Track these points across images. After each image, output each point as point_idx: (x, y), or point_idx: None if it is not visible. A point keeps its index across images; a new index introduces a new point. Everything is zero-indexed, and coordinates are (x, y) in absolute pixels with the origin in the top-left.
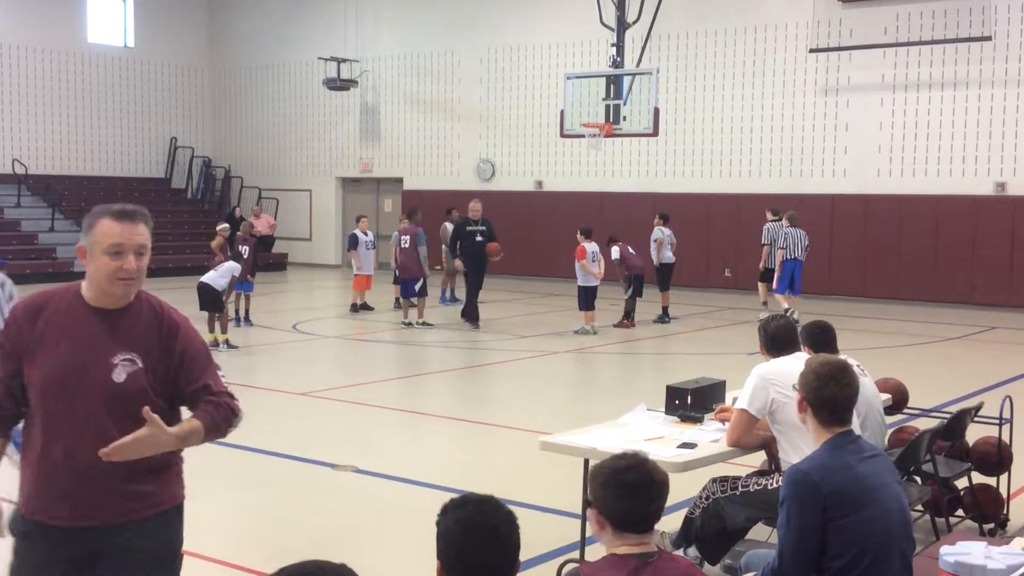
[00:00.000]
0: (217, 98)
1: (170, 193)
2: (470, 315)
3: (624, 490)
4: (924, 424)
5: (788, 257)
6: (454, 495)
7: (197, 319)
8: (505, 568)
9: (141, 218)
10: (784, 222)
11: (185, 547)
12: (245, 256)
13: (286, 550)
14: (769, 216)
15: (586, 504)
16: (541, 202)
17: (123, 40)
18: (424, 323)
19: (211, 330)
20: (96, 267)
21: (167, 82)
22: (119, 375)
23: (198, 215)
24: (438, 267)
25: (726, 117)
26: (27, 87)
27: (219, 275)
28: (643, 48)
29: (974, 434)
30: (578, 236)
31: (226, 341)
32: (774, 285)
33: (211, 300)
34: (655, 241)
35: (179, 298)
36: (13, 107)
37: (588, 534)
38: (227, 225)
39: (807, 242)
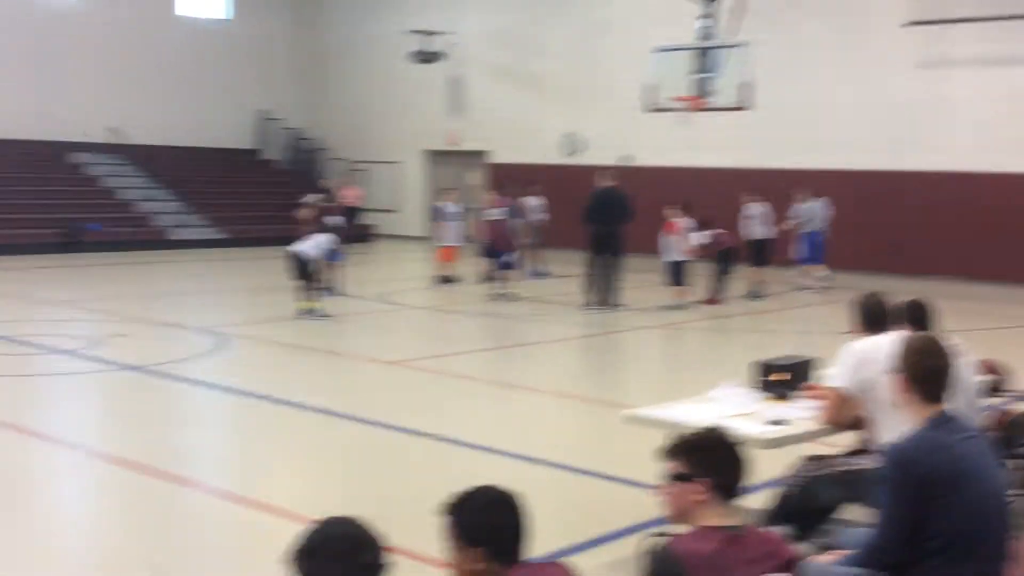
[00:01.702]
0: (308, 71)
1: (260, 164)
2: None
3: (734, 459)
4: None
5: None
6: (538, 466)
7: (290, 288)
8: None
9: None
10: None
11: (274, 505)
12: (335, 227)
13: (366, 513)
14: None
15: (683, 478)
16: (626, 177)
17: (219, 12)
18: (511, 295)
19: (301, 299)
20: None
21: (260, 55)
22: None
23: (289, 186)
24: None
25: (821, 91)
26: (124, 59)
27: (311, 245)
28: (735, 19)
29: None
30: (669, 211)
31: (317, 310)
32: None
33: (303, 269)
34: (749, 217)
35: (269, 267)
36: (110, 79)
37: (674, 511)
38: (317, 196)
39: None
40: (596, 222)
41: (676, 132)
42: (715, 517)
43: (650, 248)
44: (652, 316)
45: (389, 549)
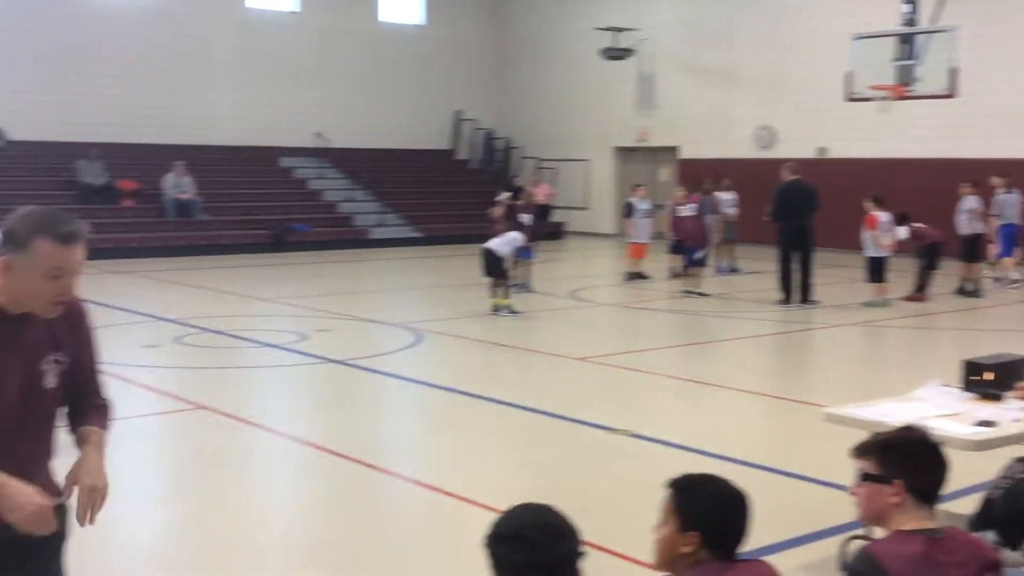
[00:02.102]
0: (500, 71)
1: (454, 164)
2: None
3: (933, 460)
4: None
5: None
6: (730, 464)
7: (482, 284)
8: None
9: (81, 238)
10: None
11: (465, 494)
12: (526, 225)
13: (558, 505)
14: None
15: (877, 478)
16: (824, 169)
17: (415, 18)
18: (701, 293)
19: (493, 295)
20: (28, 288)
21: (454, 57)
22: (49, 380)
23: (481, 184)
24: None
25: None
26: (327, 66)
27: (503, 243)
28: (938, 5)
29: None
30: (868, 204)
31: (508, 306)
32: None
33: (495, 266)
34: (970, 211)
35: (462, 264)
36: (315, 85)
37: (865, 513)
38: (508, 194)
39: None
40: (785, 217)
41: (876, 121)
42: (911, 521)
43: (849, 243)
44: (850, 313)
45: (583, 540)
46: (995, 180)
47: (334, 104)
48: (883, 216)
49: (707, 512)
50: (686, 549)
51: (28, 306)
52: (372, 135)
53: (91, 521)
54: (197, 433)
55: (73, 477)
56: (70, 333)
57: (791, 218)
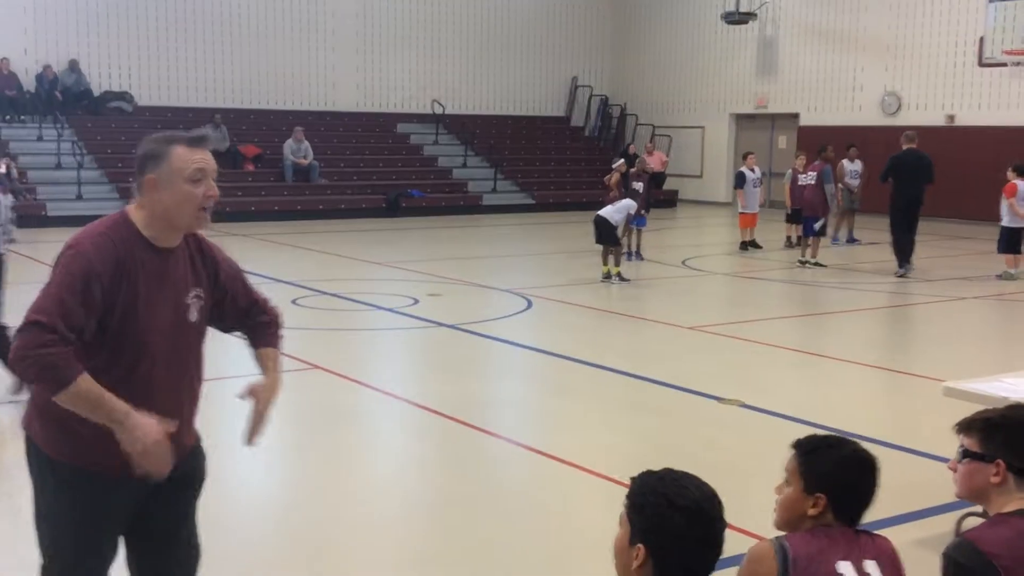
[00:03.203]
0: (616, 38)
1: (569, 131)
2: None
3: None
4: None
5: None
6: (849, 437)
7: (594, 252)
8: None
9: (211, 141)
10: None
11: (577, 462)
12: (639, 192)
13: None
14: None
15: (978, 456)
16: (952, 137)
17: None
18: (817, 263)
19: (604, 263)
20: (177, 197)
21: (570, 23)
22: (193, 314)
23: (595, 152)
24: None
25: None
26: (444, 34)
27: (615, 210)
28: None
29: None
30: (1010, 173)
31: (619, 274)
32: None
33: (607, 234)
34: None
35: (576, 232)
36: (433, 52)
37: (964, 490)
38: (623, 161)
39: None
40: (898, 186)
41: (1009, 87)
42: (1011, 501)
43: (979, 214)
44: (980, 285)
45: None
46: None
47: (450, 71)
48: (1022, 184)
49: (835, 474)
50: (812, 511)
51: (178, 223)
52: (487, 102)
53: (252, 442)
54: (312, 392)
55: (252, 393)
56: (206, 272)
57: (904, 187)
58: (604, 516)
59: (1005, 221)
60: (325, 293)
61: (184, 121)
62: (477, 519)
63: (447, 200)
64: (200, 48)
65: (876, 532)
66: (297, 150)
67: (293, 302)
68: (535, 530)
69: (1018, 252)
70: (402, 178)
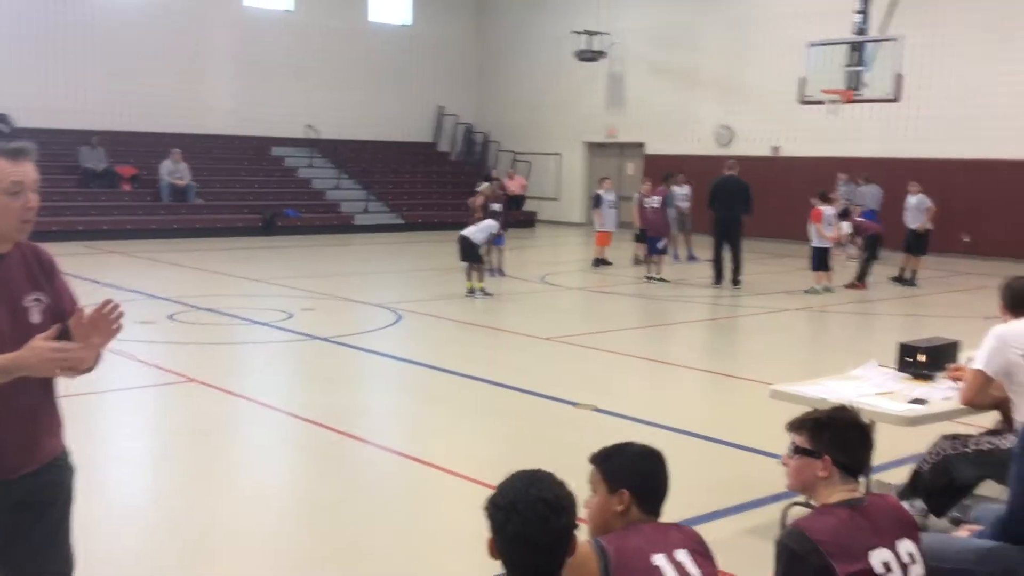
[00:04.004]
0: (480, 70)
1: (436, 156)
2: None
3: (860, 440)
4: None
5: None
6: (684, 437)
7: (459, 269)
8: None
9: (30, 154)
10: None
11: (438, 463)
12: (500, 213)
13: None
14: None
15: (808, 452)
16: (777, 166)
17: (403, 18)
18: (662, 279)
19: (468, 279)
20: None
21: (438, 56)
22: (35, 316)
23: (460, 176)
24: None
25: (972, 82)
26: (320, 62)
27: (478, 230)
28: (888, 14)
29: None
30: (814, 200)
31: (482, 289)
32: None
33: (470, 252)
34: (926, 209)
35: (442, 250)
36: (308, 79)
37: (795, 483)
38: (487, 185)
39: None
40: (718, 209)
41: (826, 123)
42: (836, 493)
43: (803, 235)
44: (796, 299)
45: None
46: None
47: (324, 98)
48: (828, 210)
49: (632, 468)
50: (619, 507)
51: (1, 233)
52: (359, 127)
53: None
54: (188, 404)
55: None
56: (45, 277)
57: (722, 210)
58: (468, 515)
59: (814, 243)
60: (201, 308)
61: (63, 143)
62: (348, 522)
63: (321, 220)
64: (79, 71)
65: (681, 525)
66: (174, 171)
67: (170, 317)
68: (403, 530)
69: (827, 269)
70: (277, 199)
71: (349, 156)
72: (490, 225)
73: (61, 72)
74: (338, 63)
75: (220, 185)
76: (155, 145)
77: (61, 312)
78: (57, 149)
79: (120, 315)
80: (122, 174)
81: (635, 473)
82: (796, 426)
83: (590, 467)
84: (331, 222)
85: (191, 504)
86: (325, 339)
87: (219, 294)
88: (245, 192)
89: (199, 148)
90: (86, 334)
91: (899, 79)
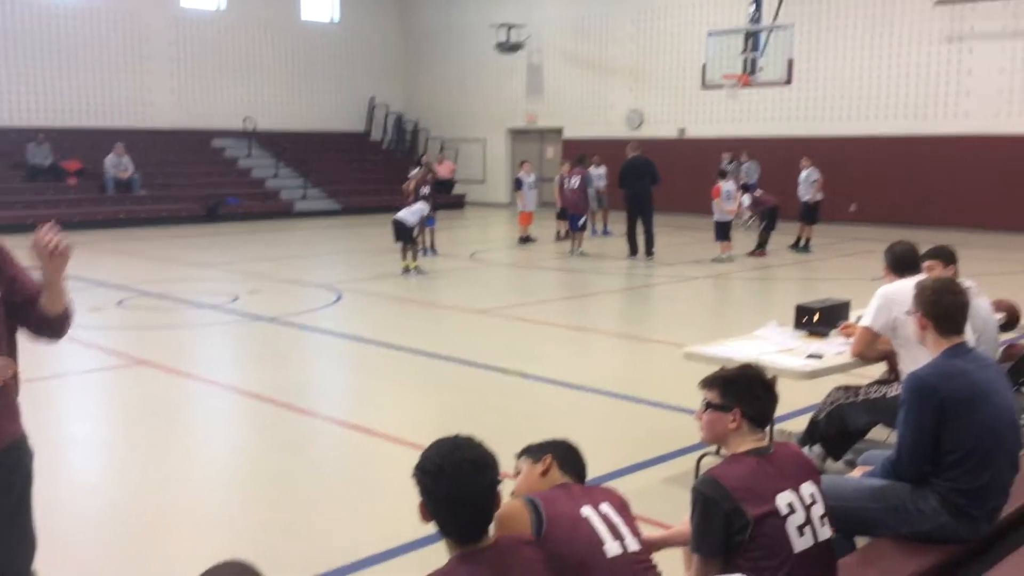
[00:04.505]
0: (407, 62)
1: (368, 144)
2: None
3: (765, 393)
4: None
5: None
6: (606, 397)
7: (395, 249)
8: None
9: None
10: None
11: (381, 431)
12: (429, 196)
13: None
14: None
15: (719, 407)
16: (684, 147)
17: (330, 16)
18: (583, 252)
19: (404, 258)
20: None
21: (367, 50)
22: None
23: (392, 162)
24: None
25: (855, 66)
26: (255, 58)
27: (410, 213)
28: (779, 5)
29: None
30: (717, 177)
31: (416, 267)
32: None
33: (404, 233)
34: (814, 182)
35: (378, 232)
36: (244, 75)
37: (708, 435)
38: (418, 170)
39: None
40: (628, 187)
41: (726, 105)
42: (746, 443)
43: (708, 210)
44: (703, 267)
45: (500, 471)
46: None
47: (261, 92)
48: (726, 186)
49: (551, 441)
50: (542, 469)
51: None
52: (295, 119)
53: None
54: (139, 386)
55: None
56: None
57: (632, 188)
58: (410, 479)
59: (716, 216)
60: (150, 294)
61: (9, 140)
62: (299, 491)
63: (262, 207)
64: (24, 69)
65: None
66: (118, 164)
67: (119, 304)
68: (350, 496)
69: (728, 239)
70: (219, 188)
71: (286, 147)
72: (421, 208)
73: (5, 71)
74: (273, 59)
75: (164, 177)
76: (100, 140)
77: (25, 294)
78: (4, 147)
79: (58, 241)
80: (68, 169)
81: (554, 443)
82: (707, 383)
83: (517, 459)
84: (272, 209)
85: (147, 481)
86: (271, 319)
87: (166, 279)
88: (188, 183)
89: (142, 142)
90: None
91: (790, 64)
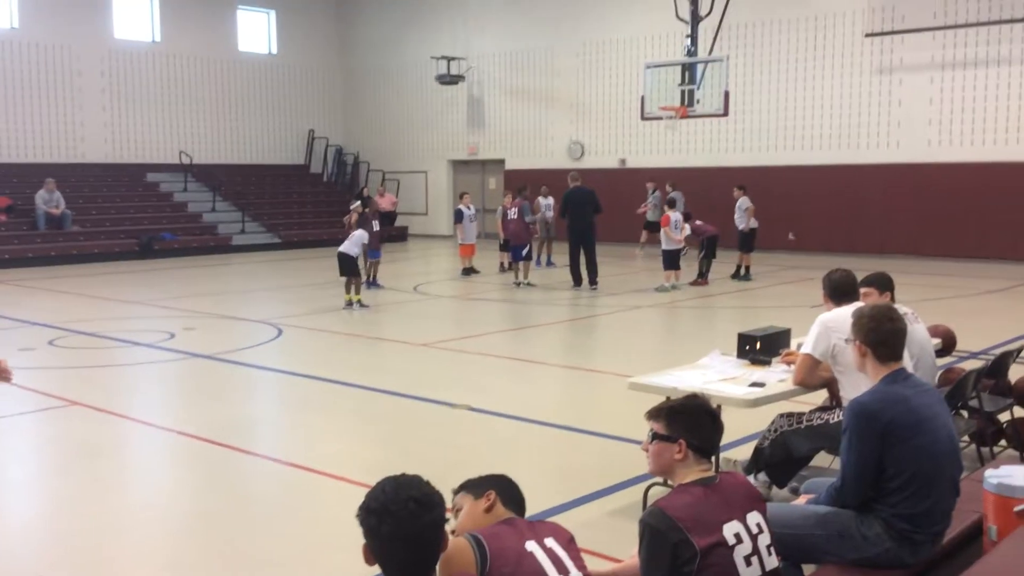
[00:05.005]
0: (347, 94)
1: (309, 177)
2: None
3: (710, 424)
4: (971, 365)
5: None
6: (551, 429)
7: (337, 283)
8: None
9: None
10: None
11: (323, 469)
12: (376, 230)
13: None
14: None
15: (665, 438)
16: (625, 177)
17: (268, 48)
18: (528, 283)
19: (347, 292)
20: None
21: (306, 82)
22: None
23: (333, 195)
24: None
25: (789, 97)
26: (190, 91)
27: (352, 244)
28: (715, 38)
29: (1016, 373)
30: (666, 207)
31: (359, 301)
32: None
33: (349, 266)
34: (747, 209)
35: (319, 266)
36: (180, 108)
37: (655, 466)
38: (359, 203)
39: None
40: (571, 217)
41: (665, 136)
42: (691, 473)
43: (653, 239)
44: (647, 297)
45: (446, 509)
46: (736, 191)
47: (197, 125)
48: (674, 216)
49: (491, 477)
50: (486, 505)
51: None
52: (232, 152)
53: None
54: (72, 427)
55: None
56: None
57: (575, 218)
58: (352, 516)
59: (664, 245)
60: (82, 333)
61: None
62: (237, 531)
63: (198, 242)
64: None
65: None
66: (49, 200)
67: (50, 343)
68: (290, 536)
69: (677, 268)
70: (154, 223)
71: (224, 180)
72: (361, 235)
73: None
74: (209, 91)
75: (96, 212)
76: (30, 175)
77: None
78: None
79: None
80: None
81: (495, 478)
82: (653, 415)
83: (456, 495)
84: (208, 243)
85: (82, 524)
86: (207, 356)
87: (99, 318)
88: (121, 218)
89: (74, 177)
90: None
91: (727, 96)
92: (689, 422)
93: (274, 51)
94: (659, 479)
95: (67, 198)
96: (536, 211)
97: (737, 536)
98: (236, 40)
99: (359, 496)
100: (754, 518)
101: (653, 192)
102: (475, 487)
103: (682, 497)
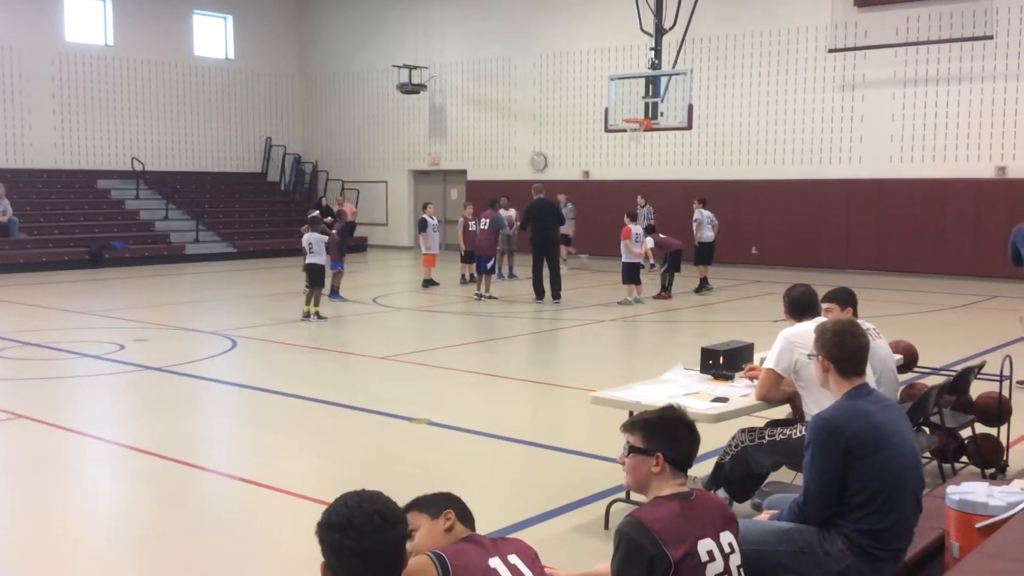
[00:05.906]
0: (306, 102)
1: (266, 186)
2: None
3: (688, 436)
4: (932, 381)
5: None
6: (513, 444)
7: (294, 293)
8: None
9: None
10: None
11: (279, 485)
12: (332, 240)
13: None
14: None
15: (642, 451)
16: (588, 189)
17: (225, 54)
18: (490, 296)
19: (307, 303)
20: None
21: (263, 89)
22: None
23: (291, 204)
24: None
25: (752, 111)
26: (143, 96)
27: (318, 251)
28: (678, 51)
29: (977, 389)
30: (626, 219)
31: (317, 313)
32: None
33: (318, 276)
34: (696, 222)
35: (276, 276)
36: (132, 113)
37: (631, 480)
38: (317, 213)
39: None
40: (533, 229)
41: (629, 149)
42: (668, 487)
43: (615, 251)
44: (610, 310)
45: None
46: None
47: (150, 131)
48: (635, 229)
49: (445, 496)
50: (446, 525)
51: None
52: (187, 159)
53: None
54: (16, 441)
55: None
56: None
57: (537, 230)
58: (311, 534)
59: (624, 258)
60: (29, 344)
61: None
62: (192, 551)
63: (151, 251)
64: None
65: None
66: None
67: None
68: (246, 553)
69: (638, 283)
70: (104, 231)
71: (177, 187)
72: (318, 238)
73: None
74: (163, 96)
75: (45, 219)
76: None
77: None
78: None
79: None
80: None
81: (447, 497)
82: (629, 427)
83: (411, 514)
84: (161, 252)
85: (29, 541)
86: (158, 368)
87: (46, 328)
88: (71, 225)
89: (22, 183)
90: None
91: (689, 109)
92: (667, 435)
93: (231, 56)
94: (621, 496)
95: (14, 205)
96: (510, 224)
97: (710, 554)
98: (192, 45)
99: (315, 513)
100: (727, 537)
101: (644, 206)
102: (428, 506)
103: (659, 509)
